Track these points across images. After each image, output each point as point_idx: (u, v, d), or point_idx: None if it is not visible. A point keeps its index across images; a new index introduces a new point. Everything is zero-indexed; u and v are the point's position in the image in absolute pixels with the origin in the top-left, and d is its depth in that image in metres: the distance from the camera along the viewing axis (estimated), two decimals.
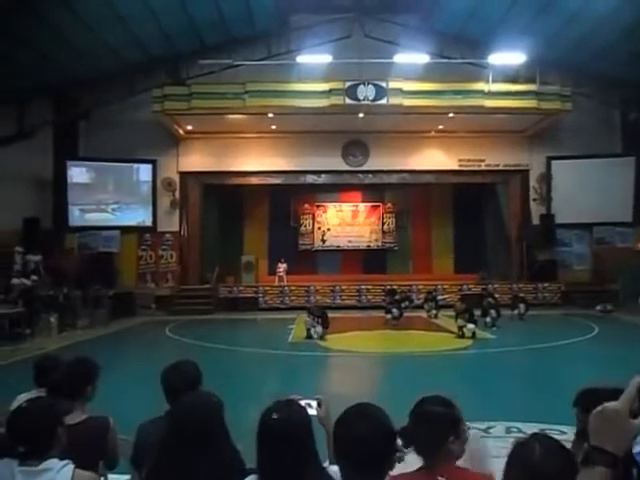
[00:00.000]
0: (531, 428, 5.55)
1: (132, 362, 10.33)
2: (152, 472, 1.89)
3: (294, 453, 1.82)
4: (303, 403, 2.13)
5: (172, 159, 20.60)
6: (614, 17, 15.42)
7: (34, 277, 15.41)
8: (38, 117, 18.03)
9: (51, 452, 1.98)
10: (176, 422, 1.88)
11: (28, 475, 1.89)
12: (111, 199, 20.35)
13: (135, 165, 20.51)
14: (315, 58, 17.89)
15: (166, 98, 18.06)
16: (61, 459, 1.98)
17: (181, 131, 20.16)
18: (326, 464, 1.94)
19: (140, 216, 20.46)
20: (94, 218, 20.00)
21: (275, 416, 1.85)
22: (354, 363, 10.75)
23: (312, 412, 2.12)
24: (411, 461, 1.91)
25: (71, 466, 1.95)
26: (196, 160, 20.56)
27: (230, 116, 18.88)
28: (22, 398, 2.82)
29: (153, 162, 20.34)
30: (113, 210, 20.29)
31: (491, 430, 5.62)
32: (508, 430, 5.63)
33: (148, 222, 20.50)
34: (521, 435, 5.73)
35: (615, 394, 1.14)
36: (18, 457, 1.94)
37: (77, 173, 19.96)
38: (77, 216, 19.80)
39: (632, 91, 19.39)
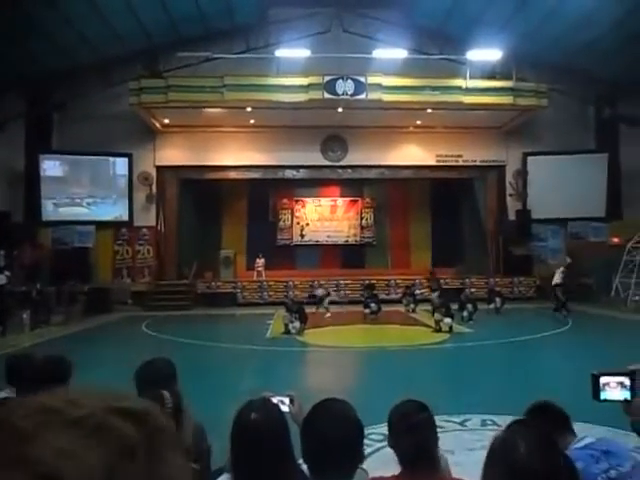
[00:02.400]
0: (506, 420, 5.63)
1: (107, 359, 10.18)
2: None
3: (270, 452, 1.81)
4: (276, 400, 2.12)
5: (149, 153, 20.33)
6: (590, 16, 15.68)
7: (7, 273, 15.09)
8: (10, 109, 17.63)
9: None
10: None
11: None
12: (86, 193, 20.02)
13: (111, 159, 20.21)
14: (294, 52, 17.84)
15: (143, 91, 17.79)
16: None
17: (158, 124, 19.89)
18: (300, 461, 1.93)
19: (117, 210, 20.18)
20: (68, 212, 19.65)
21: (253, 416, 1.84)
22: (332, 358, 10.77)
23: (285, 409, 2.11)
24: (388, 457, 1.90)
25: None
26: (173, 154, 20.32)
27: (208, 110, 18.69)
28: None
29: (129, 156, 20.05)
30: (88, 204, 19.97)
31: (467, 423, 5.69)
32: (483, 423, 5.70)
33: (124, 217, 20.23)
34: (496, 428, 5.77)
35: None
36: None
37: (50, 166, 19.60)
38: (50, 210, 19.44)
39: (606, 88, 19.80)
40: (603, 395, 1.83)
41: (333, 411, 1.72)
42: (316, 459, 1.65)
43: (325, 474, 1.63)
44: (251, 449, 1.83)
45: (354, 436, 1.67)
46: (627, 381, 1.80)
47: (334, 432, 1.62)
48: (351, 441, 1.65)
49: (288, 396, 2.25)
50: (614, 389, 1.82)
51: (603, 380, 1.83)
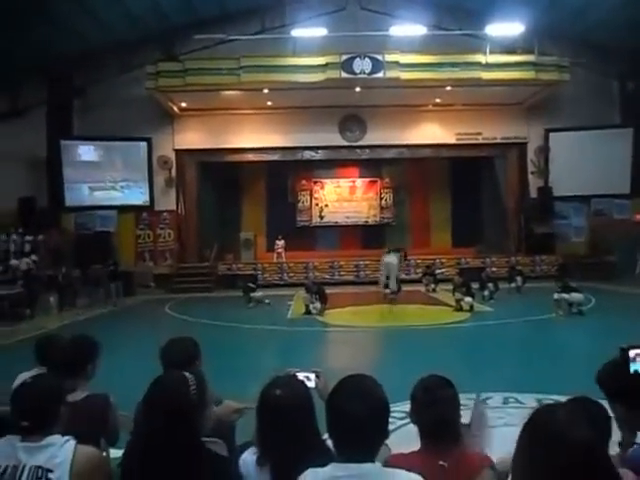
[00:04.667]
0: (528, 398, 5.63)
1: (132, 340, 10.39)
2: (130, 449, 1.89)
3: (295, 428, 1.84)
4: (301, 376, 2.15)
5: (168, 137, 20.44)
6: None
7: (34, 257, 15.41)
8: (32, 96, 17.82)
9: (53, 428, 2.00)
10: (148, 400, 1.85)
11: (31, 450, 1.91)
12: (119, 177, 20.22)
13: (133, 143, 20.31)
14: (310, 31, 17.65)
15: (160, 75, 17.84)
16: (63, 436, 2.00)
17: (176, 108, 19.95)
18: (326, 436, 1.96)
19: (143, 195, 20.35)
20: (100, 197, 19.90)
21: (278, 392, 1.87)
22: (353, 337, 10.82)
23: (311, 385, 2.14)
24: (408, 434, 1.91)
25: (72, 442, 1.97)
26: (192, 137, 20.39)
27: (225, 92, 18.67)
28: (23, 376, 2.83)
29: (148, 140, 20.17)
30: (114, 189, 20.22)
31: (488, 401, 5.69)
32: (505, 401, 5.70)
33: (145, 201, 20.44)
34: (518, 405, 5.76)
35: None
36: (20, 433, 1.95)
37: (73, 152, 19.79)
38: (76, 195, 19.66)
39: (630, 61, 19.21)
40: (634, 367, 1.82)
41: (358, 387, 1.70)
42: (340, 434, 1.66)
43: (349, 449, 1.64)
44: (276, 425, 1.87)
45: (379, 412, 1.66)
46: None
47: (359, 408, 1.61)
48: (376, 417, 1.64)
49: (314, 372, 2.28)
50: None
51: (632, 352, 1.82)
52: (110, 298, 15.74)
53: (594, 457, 1.14)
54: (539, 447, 1.20)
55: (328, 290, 14.06)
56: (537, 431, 1.23)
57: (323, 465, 1.66)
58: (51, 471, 1.88)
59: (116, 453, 3.04)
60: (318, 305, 13.05)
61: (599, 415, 1.82)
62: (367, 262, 20.20)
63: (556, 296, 11.71)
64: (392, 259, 14.45)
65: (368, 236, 23.80)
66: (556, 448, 1.16)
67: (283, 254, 21.39)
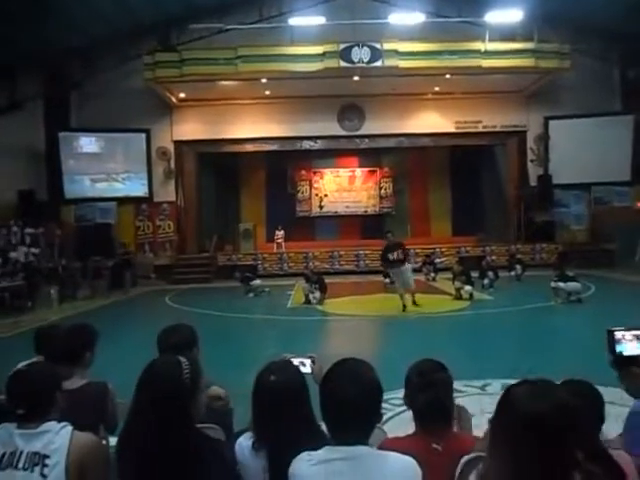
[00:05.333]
0: None
1: (133, 330, 10.42)
2: (124, 434, 1.89)
3: (290, 413, 1.86)
4: (297, 362, 2.17)
5: (166, 128, 20.38)
6: None
7: (33, 250, 15.42)
8: (28, 89, 17.73)
9: (50, 415, 2.01)
10: (141, 383, 1.84)
11: (27, 437, 1.93)
12: (120, 168, 20.17)
13: (134, 134, 20.22)
14: (308, 20, 17.55)
15: (157, 65, 17.75)
16: (59, 422, 2.01)
17: (174, 99, 19.87)
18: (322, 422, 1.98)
19: (144, 187, 20.31)
20: (102, 188, 19.89)
21: (272, 378, 1.88)
22: (352, 326, 10.85)
23: (306, 370, 2.15)
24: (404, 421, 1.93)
25: (69, 428, 1.99)
26: (190, 128, 20.33)
27: (223, 82, 18.59)
28: (22, 365, 2.85)
29: (147, 131, 20.11)
30: (123, 179, 20.20)
31: (487, 388, 5.73)
32: (504, 387, 5.72)
33: (146, 192, 20.42)
34: None
35: None
36: (16, 420, 1.97)
37: (74, 144, 19.73)
38: (77, 187, 19.62)
39: (631, 47, 19.05)
40: (619, 348, 1.84)
41: (350, 370, 1.71)
42: (333, 417, 1.67)
43: (342, 432, 1.65)
44: (271, 410, 1.88)
45: (371, 395, 1.67)
46: None
47: (350, 390, 1.62)
48: (367, 399, 1.65)
49: (309, 357, 2.29)
50: (630, 342, 1.83)
51: (618, 334, 1.84)
52: (124, 287, 16.51)
53: (549, 431, 1.18)
54: (502, 420, 1.28)
55: (328, 280, 14.09)
56: (501, 405, 1.30)
57: (317, 449, 1.67)
58: (48, 457, 1.90)
59: (115, 441, 3.08)
60: (318, 294, 13.08)
61: (589, 396, 1.83)
62: (367, 252, 20.21)
63: (553, 284, 11.78)
64: (407, 267, 13.06)
65: (368, 226, 23.80)
66: (513, 420, 1.23)
67: (283, 244, 21.40)
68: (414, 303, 11.79)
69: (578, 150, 19.36)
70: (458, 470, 1.68)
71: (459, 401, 2.20)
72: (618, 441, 1.92)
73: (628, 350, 1.84)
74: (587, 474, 1.22)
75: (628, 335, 1.84)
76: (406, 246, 12.70)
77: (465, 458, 1.68)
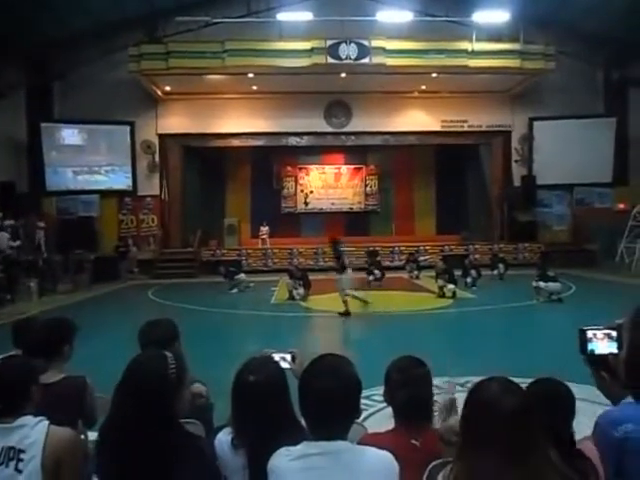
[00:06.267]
0: None
1: (114, 324, 10.32)
2: (105, 429, 1.87)
3: (270, 411, 1.85)
4: (277, 357, 2.16)
5: (151, 121, 20.17)
6: None
7: (15, 243, 15.16)
8: (10, 79, 17.42)
9: (25, 409, 1.98)
10: (126, 378, 1.82)
11: (3, 431, 1.90)
12: (103, 161, 19.92)
13: (117, 127, 19.98)
14: (296, 15, 17.48)
15: (143, 57, 17.55)
16: (36, 417, 1.98)
17: (159, 92, 19.68)
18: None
19: (127, 180, 20.10)
20: (84, 181, 19.64)
21: (252, 378, 1.87)
22: (336, 323, 10.86)
23: (286, 365, 2.15)
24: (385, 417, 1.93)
25: (45, 422, 1.96)
26: (175, 122, 20.15)
27: (209, 76, 18.44)
28: None
29: (131, 124, 19.89)
30: (106, 172, 19.96)
31: (468, 384, 5.77)
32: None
33: (129, 186, 20.20)
34: None
35: None
36: None
37: (56, 135, 19.44)
38: (59, 179, 19.35)
39: (616, 50, 19.31)
40: (590, 346, 1.86)
41: (329, 365, 1.72)
42: (311, 412, 1.67)
43: (320, 427, 1.65)
44: (250, 408, 1.87)
45: (350, 389, 1.67)
46: (613, 333, 1.83)
47: (328, 384, 1.63)
48: (346, 394, 1.65)
49: (290, 353, 2.28)
50: (601, 340, 1.85)
51: (589, 333, 1.86)
52: (121, 277, 17.38)
53: (521, 425, 1.24)
54: (472, 414, 1.33)
55: (312, 276, 14.09)
56: (471, 400, 1.35)
57: (297, 445, 1.67)
58: (23, 452, 1.87)
59: (94, 435, 3.04)
60: (302, 291, 13.09)
61: (560, 394, 1.86)
62: (351, 249, 20.18)
63: (535, 284, 11.97)
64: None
65: (353, 223, 23.83)
66: (485, 415, 1.28)
67: (267, 240, 21.34)
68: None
69: (562, 151, 19.58)
70: (425, 475, 1.70)
71: (456, 395, 2.22)
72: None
73: (599, 349, 1.87)
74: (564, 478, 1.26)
75: (599, 334, 1.87)
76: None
77: (432, 464, 1.70)
